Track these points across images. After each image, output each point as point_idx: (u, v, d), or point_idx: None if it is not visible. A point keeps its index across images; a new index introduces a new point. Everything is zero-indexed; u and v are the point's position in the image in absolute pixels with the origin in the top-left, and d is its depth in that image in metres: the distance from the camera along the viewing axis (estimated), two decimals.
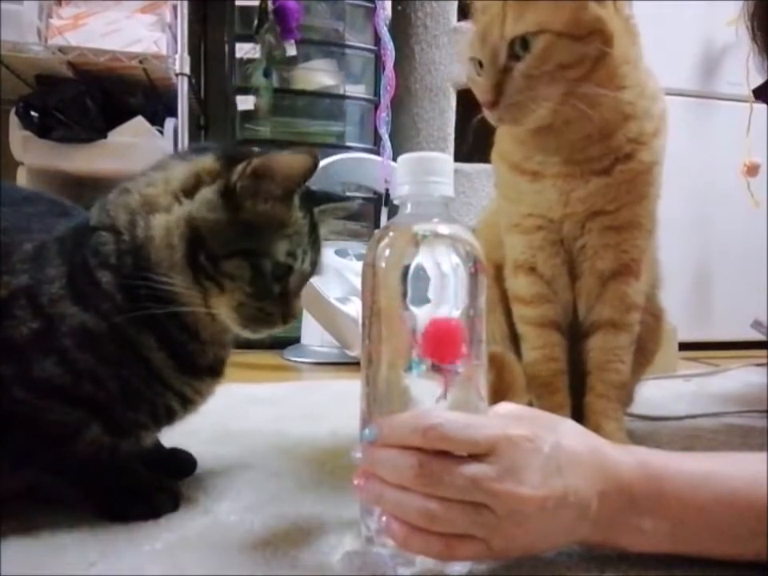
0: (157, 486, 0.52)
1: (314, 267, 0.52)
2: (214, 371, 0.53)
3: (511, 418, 0.40)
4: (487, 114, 0.62)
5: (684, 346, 1.37)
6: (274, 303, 0.48)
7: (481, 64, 0.61)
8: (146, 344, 0.48)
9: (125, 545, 0.45)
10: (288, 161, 0.46)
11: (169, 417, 0.52)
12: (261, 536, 0.47)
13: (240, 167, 0.46)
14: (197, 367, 0.51)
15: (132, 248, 0.48)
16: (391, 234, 0.42)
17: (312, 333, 1.47)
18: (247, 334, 0.50)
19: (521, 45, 0.57)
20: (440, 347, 0.39)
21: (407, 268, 0.40)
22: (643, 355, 0.73)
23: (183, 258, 0.47)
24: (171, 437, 0.57)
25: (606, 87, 0.59)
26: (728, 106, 1.71)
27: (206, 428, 0.72)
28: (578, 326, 0.71)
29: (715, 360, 1.46)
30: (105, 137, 1.53)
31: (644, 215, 0.67)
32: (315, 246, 0.51)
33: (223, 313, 0.48)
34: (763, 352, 1.32)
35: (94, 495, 0.50)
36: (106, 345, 0.47)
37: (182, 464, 0.60)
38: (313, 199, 0.53)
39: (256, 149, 0.50)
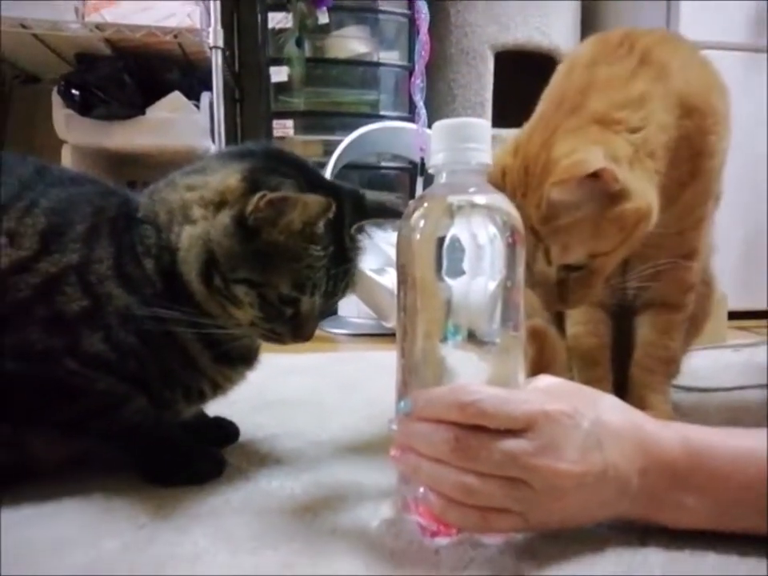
0: (201, 454, 0.54)
1: (333, 295, 0.51)
2: (246, 360, 0.55)
3: (550, 393, 0.40)
4: None
5: (733, 315, 1.31)
6: (284, 325, 0.49)
7: None
8: (183, 336, 0.49)
9: (172, 509, 0.47)
10: (303, 202, 0.46)
11: (200, 398, 0.54)
12: (301, 502, 0.48)
13: (255, 198, 0.46)
14: (230, 357, 0.53)
15: (168, 248, 0.49)
16: (426, 204, 0.41)
17: (349, 304, 1.47)
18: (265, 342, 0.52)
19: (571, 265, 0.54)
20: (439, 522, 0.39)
21: (442, 239, 0.39)
22: (693, 324, 0.71)
23: (198, 276, 0.48)
24: (214, 406, 0.59)
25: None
26: None
27: (247, 398, 0.73)
28: (626, 303, 0.68)
29: (765, 329, 1.40)
30: (143, 113, 1.55)
31: (711, 207, 0.64)
32: (338, 274, 0.50)
33: (242, 324, 0.50)
34: None
35: (143, 462, 0.52)
36: (147, 329, 0.48)
37: (225, 432, 0.62)
38: (359, 213, 0.52)
39: (281, 178, 0.49)
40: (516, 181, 0.54)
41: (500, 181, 0.55)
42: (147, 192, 0.53)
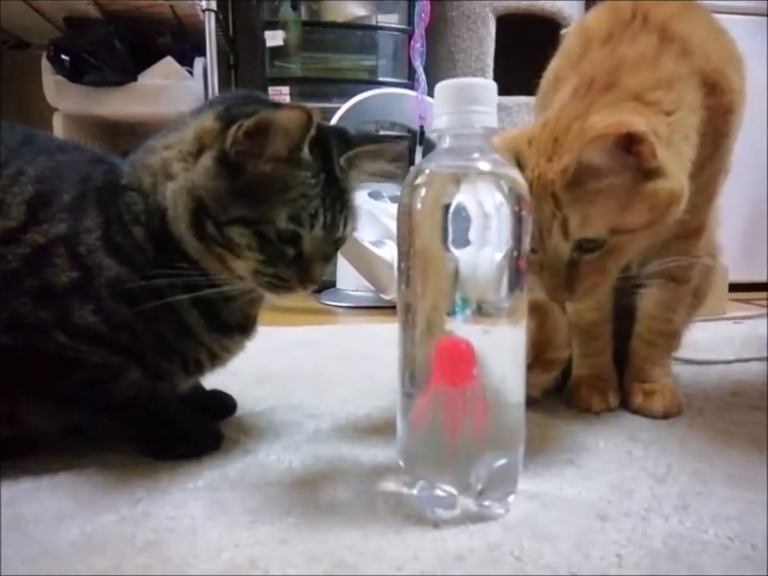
0: (198, 427, 0.53)
1: (333, 228, 0.48)
2: (243, 328, 0.53)
3: None
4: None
5: (733, 287, 1.30)
6: (289, 268, 0.47)
7: (533, 249, 0.53)
8: (178, 303, 0.48)
9: (168, 482, 0.46)
10: (281, 119, 0.44)
11: (197, 369, 0.53)
12: (299, 475, 0.48)
13: (232, 130, 0.44)
14: (227, 325, 0.52)
15: (158, 211, 0.48)
16: (428, 171, 0.39)
17: (347, 277, 1.46)
18: (273, 298, 0.49)
19: (589, 242, 0.50)
20: (453, 372, 0.38)
21: (447, 207, 0.37)
22: (695, 297, 0.70)
23: (189, 230, 0.46)
24: (213, 378, 0.58)
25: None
26: None
27: (246, 370, 0.73)
28: (629, 277, 0.67)
29: (766, 302, 1.40)
30: (135, 79, 1.51)
31: (722, 179, 0.62)
32: (334, 205, 0.48)
33: (244, 276, 0.48)
34: None
35: (139, 436, 0.51)
36: (140, 299, 0.47)
37: (222, 405, 0.61)
38: (344, 144, 0.50)
39: (255, 105, 0.47)
40: (543, 148, 0.51)
41: (525, 148, 0.52)
42: (129, 160, 0.52)
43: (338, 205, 0.48)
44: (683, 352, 0.77)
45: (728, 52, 0.59)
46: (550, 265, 0.52)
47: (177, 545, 0.38)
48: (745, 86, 0.60)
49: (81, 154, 0.53)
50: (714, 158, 0.58)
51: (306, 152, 0.46)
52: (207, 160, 0.45)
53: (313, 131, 0.45)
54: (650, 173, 0.49)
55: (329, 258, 0.49)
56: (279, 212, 0.45)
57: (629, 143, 0.47)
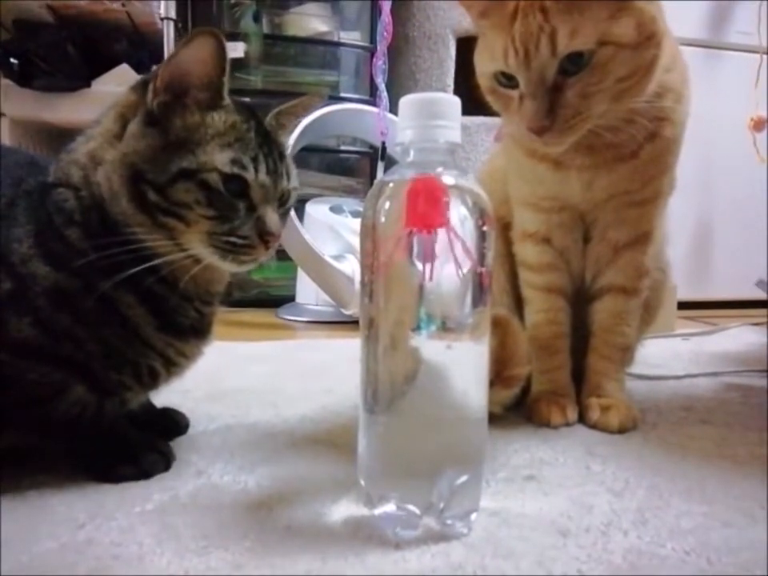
0: (147, 447, 0.51)
1: (278, 176, 0.47)
2: (198, 331, 0.51)
3: None
4: (529, 138, 0.54)
5: (681, 305, 1.36)
6: (244, 223, 0.46)
7: (509, 77, 0.54)
8: (124, 301, 0.46)
9: (114, 506, 0.43)
10: (191, 53, 0.44)
11: (152, 379, 0.50)
12: (255, 497, 0.46)
13: (151, 85, 0.45)
14: (179, 326, 0.49)
15: (94, 204, 0.46)
16: (391, 185, 0.39)
17: (307, 291, 1.45)
18: (234, 268, 0.47)
19: (575, 60, 0.51)
20: (425, 214, 0.36)
21: None
22: (647, 312, 0.72)
23: (130, 203, 0.45)
24: (164, 396, 0.56)
25: (646, 92, 0.54)
26: (737, 57, 1.65)
27: (199, 386, 0.71)
28: (583, 290, 0.69)
29: (712, 319, 1.46)
30: (89, 86, 1.47)
31: (667, 184, 0.64)
32: (272, 153, 0.47)
33: (198, 249, 0.46)
34: (762, 311, 1.31)
35: (83, 456, 0.49)
36: (82, 304, 0.44)
37: (174, 424, 0.59)
38: (263, 108, 0.50)
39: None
40: None
41: None
42: (55, 161, 0.50)
43: (275, 153, 0.48)
44: (636, 367, 0.79)
45: (685, 66, 0.63)
46: (533, 88, 0.52)
47: (123, 573, 0.35)
48: (689, 97, 0.63)
49: (16, 157, 0.51)
50: (653, 140, 0.60)
51: (227, 99, 0.46)
52: (134, 126, 0.45)
53: (223, 49, 0.44)
54: None
55: (283, 218, 0.49)
56: (219, 157, 0.44)
57: None
